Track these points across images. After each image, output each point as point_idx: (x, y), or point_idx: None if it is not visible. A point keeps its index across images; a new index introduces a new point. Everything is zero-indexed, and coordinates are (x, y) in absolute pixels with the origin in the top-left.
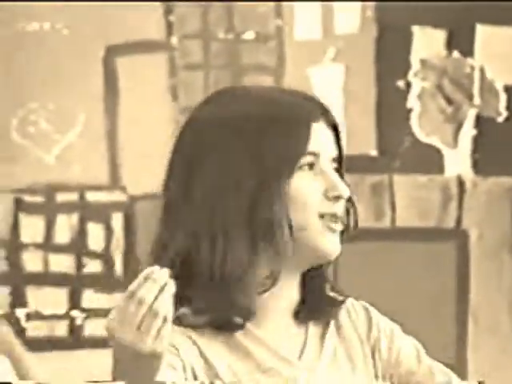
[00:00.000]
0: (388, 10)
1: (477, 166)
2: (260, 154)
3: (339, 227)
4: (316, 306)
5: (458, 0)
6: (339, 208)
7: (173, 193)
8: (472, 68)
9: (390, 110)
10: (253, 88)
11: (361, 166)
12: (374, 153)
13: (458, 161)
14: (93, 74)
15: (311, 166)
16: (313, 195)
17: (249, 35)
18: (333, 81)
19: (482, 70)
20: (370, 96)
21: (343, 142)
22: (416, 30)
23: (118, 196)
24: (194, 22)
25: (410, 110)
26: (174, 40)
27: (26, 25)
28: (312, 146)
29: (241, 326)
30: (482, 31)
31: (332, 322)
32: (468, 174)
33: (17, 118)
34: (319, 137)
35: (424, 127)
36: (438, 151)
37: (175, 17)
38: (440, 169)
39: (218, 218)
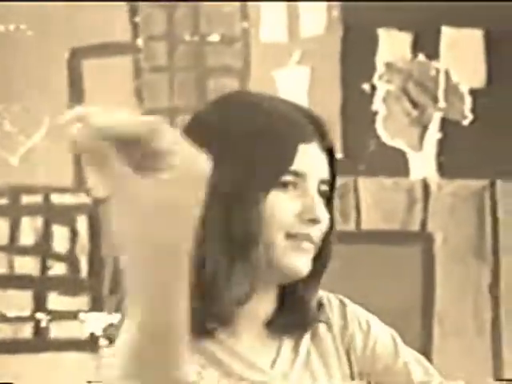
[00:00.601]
0: (354, 11)
1: (442, 169)
2: (241, 165)
3: (310, 248)
4: (290, 321)
5: (424, 0)
6: (313, 231)
7: None
8: (437, 71)
9: (355, 113)
10: (260, 98)
11: None
12: (339, 155)
13: (423, 164)
14: (58, 75)
15: (294, 185)
16: (284, 215)
17: (214, 37)
18: (298, 83)
19: (447, 73)
20: (336, 99)
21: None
22: (381, 32)
23: (82, 198)
24: (160, 24)
25: (375, 113)
26: (140, 42)
27: None
28: (297, 166)
29: (213, 333)
30: (447, 34)
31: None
32: (433, 177)
33: None
34: (307, 158)
35: (389, 130)
36: (403, 154)
37: (141, 19)
38: (405, 172)
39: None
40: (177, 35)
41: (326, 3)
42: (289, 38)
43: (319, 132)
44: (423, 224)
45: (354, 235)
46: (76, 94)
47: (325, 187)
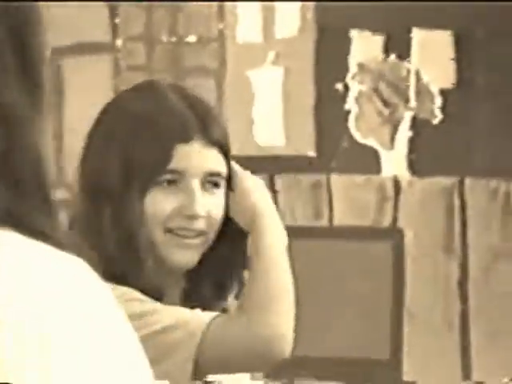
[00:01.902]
0: (327, 13)
1: (412, 167)
2: (122, 164)
3: (196, 243)
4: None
5: (395, 0)
6: (197, 224)
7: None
8: (408, 71)
9: (329, 112)
10: (155, 92)
11: (300, 166)
12: (312, 153)
13: (395, 162)
14: None
15: (174, 182)
16: (161, 211)
17: (191, 38)
18: (273, 83)
19: (417, 74)
20: (309, 98)
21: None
22: (354, 33)
23: (62, 194)
24: (139, 25)
25: (347, 112)
26: (119, 42)
27: None
28: (176, 164)
29: None
30: (417, 35)
31: None
32: (404, 175)
33: None
34: (187, 156)
35: (361, 129)
36: (374, 152)
37: (120, 19)
38: (377, 169)
39: (88, 217)
40: (155, 36)
41: (299, 5)
42: (264, 39)
43: (207, 127)
44: (394, 220)
45: (327, 231)
46: (56, 93)
47: (215, 178)
